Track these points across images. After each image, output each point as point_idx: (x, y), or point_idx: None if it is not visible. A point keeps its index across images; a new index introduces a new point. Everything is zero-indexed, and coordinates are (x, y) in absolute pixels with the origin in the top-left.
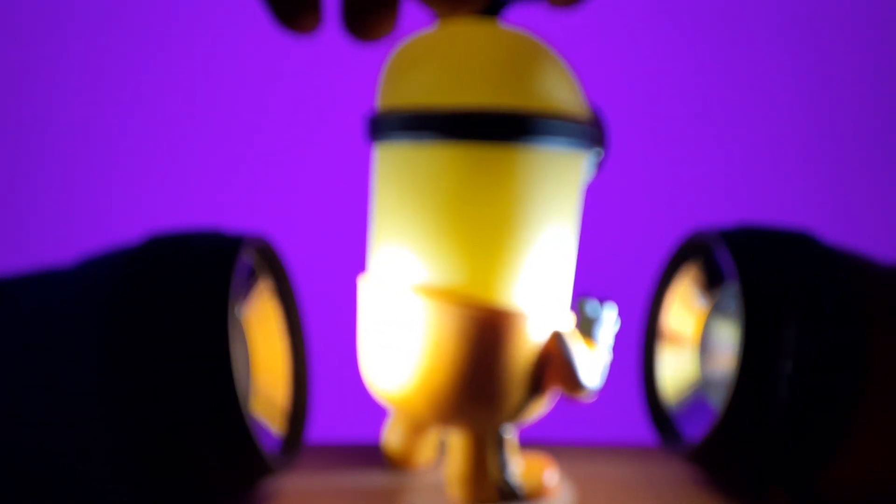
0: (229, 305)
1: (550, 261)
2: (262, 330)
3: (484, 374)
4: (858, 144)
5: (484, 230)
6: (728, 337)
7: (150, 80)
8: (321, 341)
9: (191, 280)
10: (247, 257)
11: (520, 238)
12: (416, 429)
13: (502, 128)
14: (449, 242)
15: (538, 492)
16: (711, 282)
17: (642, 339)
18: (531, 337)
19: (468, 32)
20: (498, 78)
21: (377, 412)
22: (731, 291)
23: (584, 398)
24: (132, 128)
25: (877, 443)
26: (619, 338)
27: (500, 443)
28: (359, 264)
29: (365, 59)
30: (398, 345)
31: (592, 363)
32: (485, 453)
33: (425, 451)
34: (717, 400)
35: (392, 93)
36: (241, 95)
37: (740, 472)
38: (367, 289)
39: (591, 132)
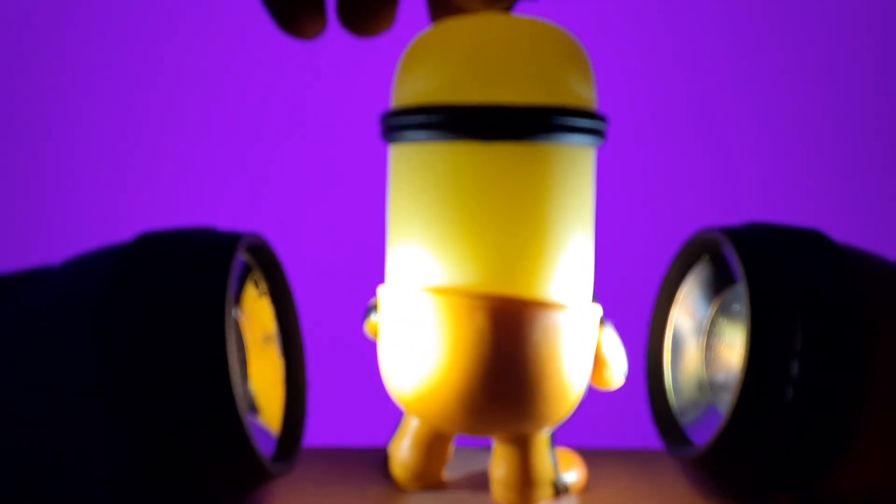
0: (227, 303)
1: (577, 254)
2: (257, 332)
3: (542, 371)
4: (868, 144)
5: (515, 227)
6: (734, 339)
7: (147, 80)
8: (320, 342)
9: (188, 277)
10: (243, 256)
11: (547, 233)
12: (434, 445)
13: (535, 126)
14: (480, 241)
15: (578, 487)
16: (718, 282)
17: (649, 341)
18: (579, 330)
19: (489, 25)
20: (524, 73)
21: (374, 415)
22: (738, 292)
23: (615, 388)
24: (127, 128)
25: (882, 445)
26: (625, 339)
27: (549, 441)
28: (356, 265)
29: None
30: (442, 353)
31: (622, 353)
32: (536, 454)
33: (440, 469)
34: (723, 403)
35: (413, 90)
36: (238, 95)
37: (746, 477)
38: (397, 295)
39: (604, 125)
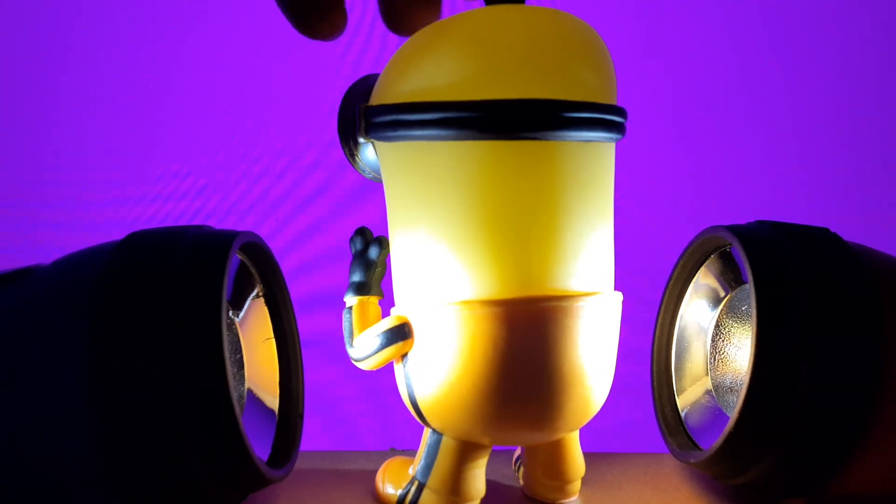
0: (222, 304)
1: (604, 247)
2: (253, 334)
3: (600, 360)
4: (881, 143)
5: (546, 225)
6: (741, 340)
7: (144, 79)
8: (318, 343)
9: (181, 277)
10: (239, 255)
11: (577, 229)
12: (476, 459)
13: (557, 121)
14: (518, 243)
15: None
16: (726, 282)
17: (654, 342)
18: (613, 317)
19: (502, 16)
20: (544, 67)
21: (372, 418)
22: (746, 292)
23: None
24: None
25: (892, 448)
26: (628, 340)
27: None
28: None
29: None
30: (507, 364)
31: None
32: (576, 446)
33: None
34: (729, 406)
35: (417, 86)
36: (238, 95)
37: (753, 481)
38: (432, 313)
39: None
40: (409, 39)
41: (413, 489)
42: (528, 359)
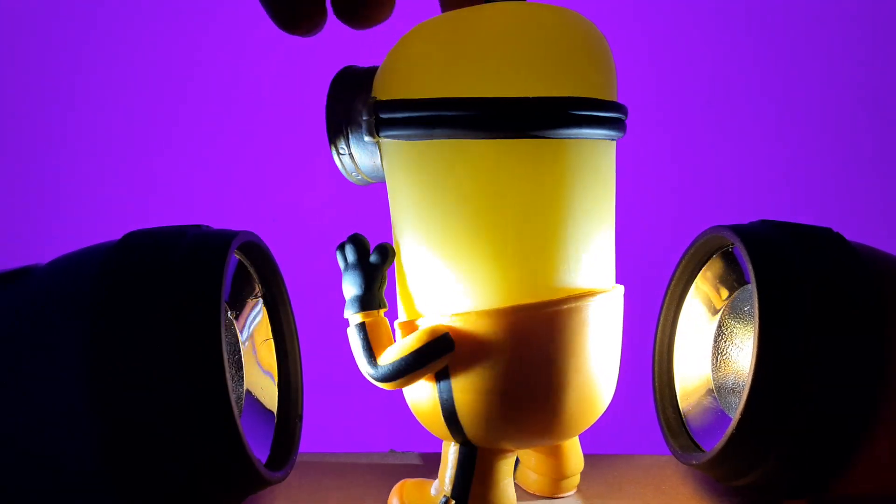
0: (220, 305)
1: (606, 247)
2: (252, 334)
3: (610, 356)
4: (886, 142)
5: (549, 226)
6: (744, 340)
7: (141, 79)
8: (318, 344)
9: (178, 277)
10: (237, 254)
11: (582, 230)
12: (509, 468)
13: (573, 119)
14: (530, 239)
15: None
16: (728, 282)
17: (656, 343)
18: (618, 313)
19: (502, 14)
20: (550, 65)
21: (371, 419)
22: (748, 292)
23: None
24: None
25: (895, 449)
26: (630, 340)
27: None
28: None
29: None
30: (542, 368)
31: None
32: (576, 441)
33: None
34: (732, 407)
35: (434, 82)
36: (237, 94)
37: (755, 482)
38: (483, 318)
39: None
40: (417, 32)
41: None
42: (562, 359)
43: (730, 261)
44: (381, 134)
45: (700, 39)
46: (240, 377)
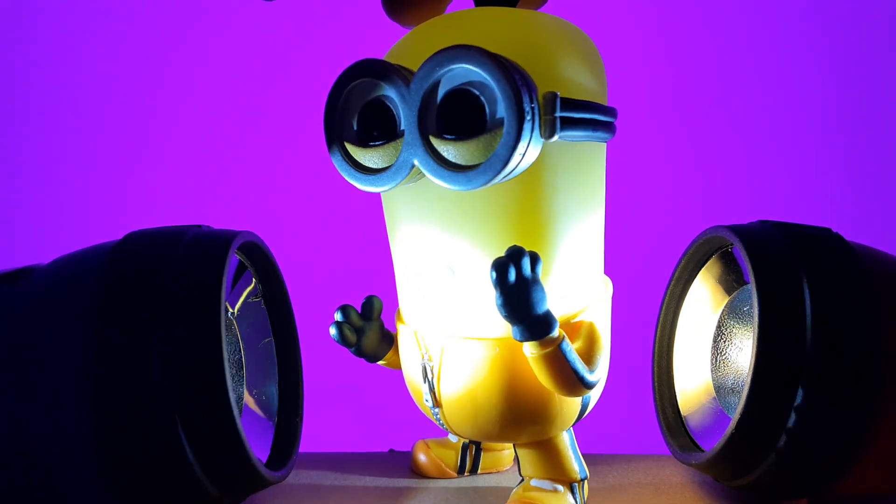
0: (221, 305)
1: (593, 250)
2: (252, 335)
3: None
4: (884, 142)
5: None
6: (743, 341)
7: (141, 78)
8: (317, 344)
9: (179, 277)
10: (237, 255)
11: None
12: None
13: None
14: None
15: None
16: (728, 282)
17: (655, 343)
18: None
19: (489, 18)
20: (536, 67)
21: (371, 420)
22: (748, 293)
23: None
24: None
25: (893, 449)
26: (630, 341)
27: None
28: (354, 266)
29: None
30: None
31: None
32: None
33: None
34: (731, 407)
35: (587, 87)
36: (237, 93)
37: (754, 482)
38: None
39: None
40: (578, 31)
41: (581, 487)
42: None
43: (729, 261)
44: (561, 132)
45: (700, 40)
46: (240, 377)
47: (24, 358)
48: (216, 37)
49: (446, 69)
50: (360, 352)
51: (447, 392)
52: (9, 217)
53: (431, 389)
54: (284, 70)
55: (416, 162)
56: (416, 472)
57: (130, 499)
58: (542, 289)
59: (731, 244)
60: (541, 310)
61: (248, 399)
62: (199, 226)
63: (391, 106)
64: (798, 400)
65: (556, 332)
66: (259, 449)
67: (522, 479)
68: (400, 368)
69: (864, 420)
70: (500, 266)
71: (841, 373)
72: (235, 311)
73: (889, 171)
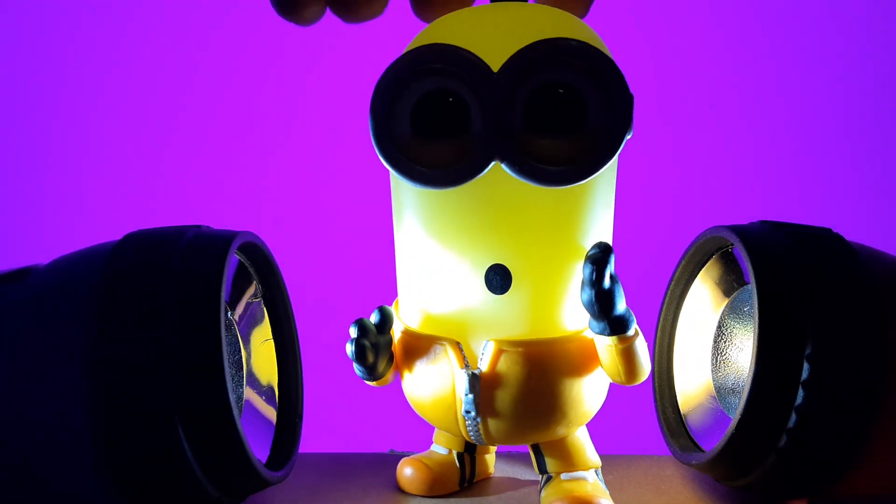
0: (220, 305)
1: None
2: (252, 335)
3: None
4: (885, 142)
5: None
6: (744, 341)
7: (141, 78)
8: (317, 344)
9: (179, 278)
10: (237, 255)
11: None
12: None
13: None
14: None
15: None
16: (728, 282)
17: (656, 343)
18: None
19: (501, 13)
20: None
21: (371, 420)
22: (748, 293)
23: None
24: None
25: (894, 449)
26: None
27: None
28: (354, 265)
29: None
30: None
31: None
32: None
33: None
34: (732, 407)
35: None
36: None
37: (755, 483)
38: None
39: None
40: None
41: (600, 473)
42: None
43: (729, 261)
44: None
45: (700, 40)
46: (240, 377)
47: (23, 358)
48: (216, 37)
49: (548, 63)
50: (372, 371)
51: (497, 399)
52: (9, 217)
53: (476, 400)
54: (285, 70)
55: (497, 159)
56: (417, 490)
57: (130, 499)
58: (620, 287)
59: (732, 244)
60: (624, 305)
61: (249, 399)
62: (199, 226)
63: (464, 97)
64: (798, 400)
65: (635, 326)
66: (259, 449)
67: (550, 477)
68: (386, 385)
69: (865, 420)
70: (599, 262)
71: (841, 373)
72: (235, 311)
73: (889, 171)
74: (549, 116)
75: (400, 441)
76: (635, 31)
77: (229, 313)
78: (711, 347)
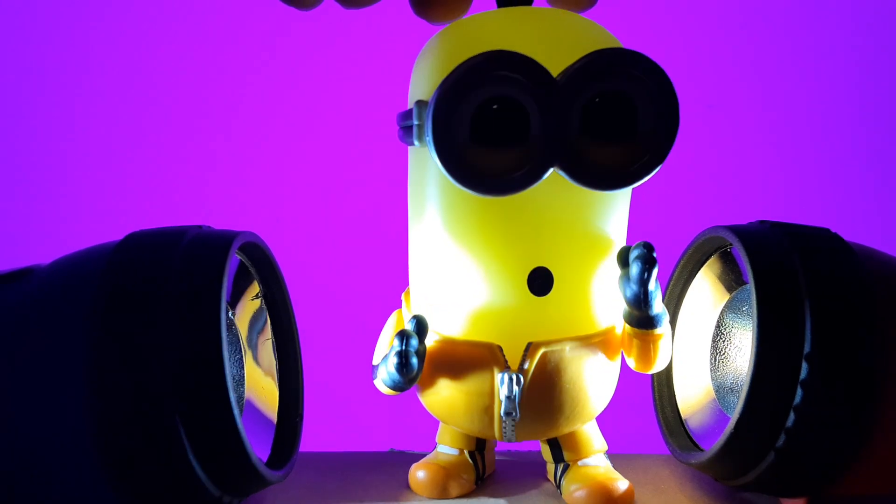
0: (221, 305)
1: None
2: (252, 334)
3: None
4: (884, 142)
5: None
6: (742, 341)
7: (142, 77)
8: (318, 344)
9: (180, 278)
10: (238, 255)
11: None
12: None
13: None
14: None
15: None
16: (727, 282)
17: None
18: None
19: (519, 18)
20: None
21: (371, 419)
22: (747, 292)
23: None
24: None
25: (893, 449)
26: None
27: None
28: (354, 265)
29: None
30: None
31: None
32: None
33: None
34: (730, 407)
35: None
36: (237, 93)
37: (754, 482)
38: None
39: None
40: (434, 43)
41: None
42: None
43: (728, 261)
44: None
45: (700, 40)
46: (240, 377)
47: (24, 358)
48: (217, 36)
49: (608, 72)
50: (413, 382)
51: (538, 398)
52: (9, 217)
53: (518, 401)
54: (285, 70)
55: (556, 165)
56: (437, 494)
57: (131, 498)
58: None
59: (731, 244)
60: (660, 306)
61: (249, 398)
62: (200, 226)
63: (524, 104)
64: (797, 399)
65: (667, 319)
66: (259, 449)
67: (567, 466)
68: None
69: (864, 420)
70: (649, 262)
71: (840, 372)
72: (236, 311)
73: (889, 171)
74: (602, 123)
75: (400, 441)
76: (635, 30)
77: (230, 313)
78: (710, 347)
